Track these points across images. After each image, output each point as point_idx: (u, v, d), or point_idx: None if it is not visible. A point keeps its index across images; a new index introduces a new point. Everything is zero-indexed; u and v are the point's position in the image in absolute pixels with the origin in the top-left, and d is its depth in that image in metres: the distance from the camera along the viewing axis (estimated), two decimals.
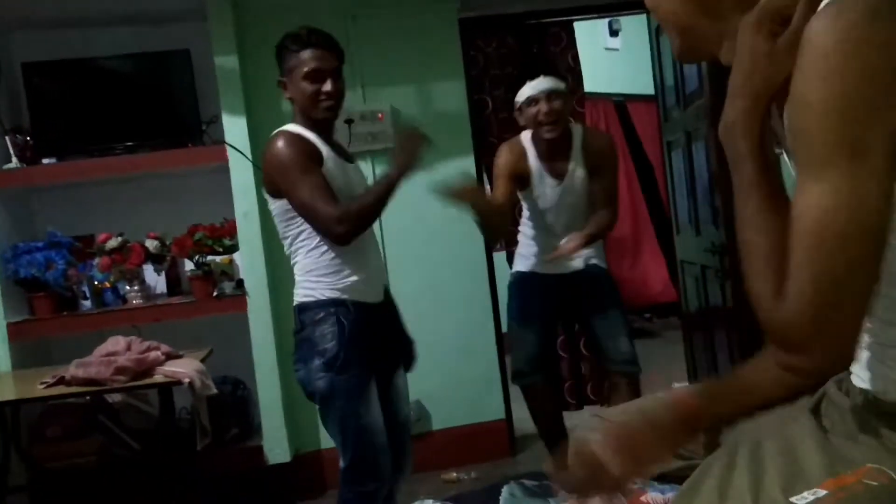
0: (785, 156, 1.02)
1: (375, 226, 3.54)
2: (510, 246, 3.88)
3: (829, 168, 0.82)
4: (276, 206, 2.30)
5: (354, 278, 2.29)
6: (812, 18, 0.85)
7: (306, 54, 2.28)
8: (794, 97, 0.85)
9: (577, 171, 3.03)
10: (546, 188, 3.05)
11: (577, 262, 3.07)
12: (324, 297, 2.26)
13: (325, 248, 2.27)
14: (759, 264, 0.92)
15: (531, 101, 2.94)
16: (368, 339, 2.29)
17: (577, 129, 3.09)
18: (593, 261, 3.12)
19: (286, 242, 2.35)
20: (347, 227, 2.19)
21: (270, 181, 2.28)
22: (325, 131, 2.34)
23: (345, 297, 2.27)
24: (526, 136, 3.08)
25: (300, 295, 2.32)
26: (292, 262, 2.35)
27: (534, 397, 3.19)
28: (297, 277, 2.34)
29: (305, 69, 2.27)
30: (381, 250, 3.61)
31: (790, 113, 0.87)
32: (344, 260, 2.27)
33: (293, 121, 2.34)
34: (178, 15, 3.55)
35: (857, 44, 0.79)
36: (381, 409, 2.31)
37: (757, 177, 0.94)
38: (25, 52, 3.58)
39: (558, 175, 3.04)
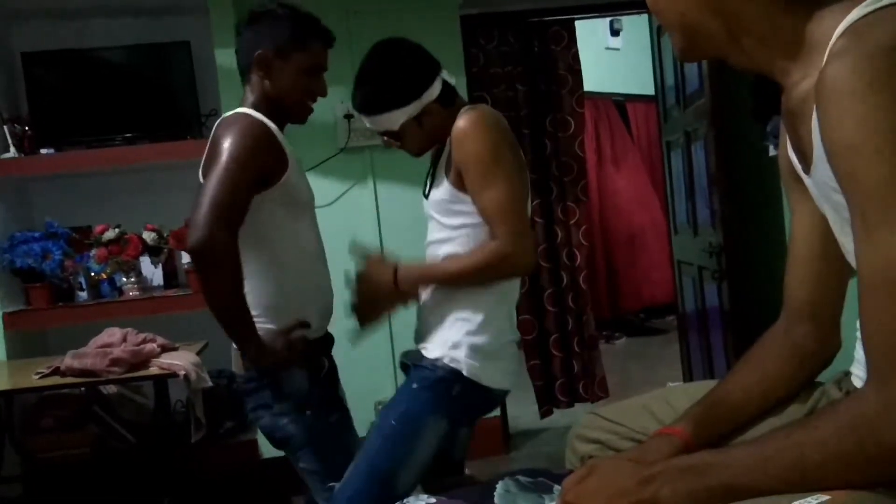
0: (807, 180, 0.99)
1: (372, 224, 3.61)
2: None
3: (894, 209, 0.77)
4: None
5: (313, 308, 1.98)
6: (826, 66, 0.82)
7: (318, 48, 1.93)
8: (834, 143, 0.81)
9: (441, 184, 1.94)
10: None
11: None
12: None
13: (278, 274, 1.90)
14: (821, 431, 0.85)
15: None
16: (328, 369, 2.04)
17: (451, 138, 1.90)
18: (422, 348, 1.98)
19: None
20: (211, 246, 1.72)
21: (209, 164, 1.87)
22: (282, 128, 1.94)
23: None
24: None
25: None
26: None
27: None
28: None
29: (310, 63, 1.91)
30: (381, 250, 3.64)
31: (835, 160, 0.82)
32: (302, 287, 1.94)
33: (248, 104, 1.92)
34: (178, 7, 3.55)
35: (887, 77, 0.77)
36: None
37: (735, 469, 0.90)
38: (25, 41, 3.58)
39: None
